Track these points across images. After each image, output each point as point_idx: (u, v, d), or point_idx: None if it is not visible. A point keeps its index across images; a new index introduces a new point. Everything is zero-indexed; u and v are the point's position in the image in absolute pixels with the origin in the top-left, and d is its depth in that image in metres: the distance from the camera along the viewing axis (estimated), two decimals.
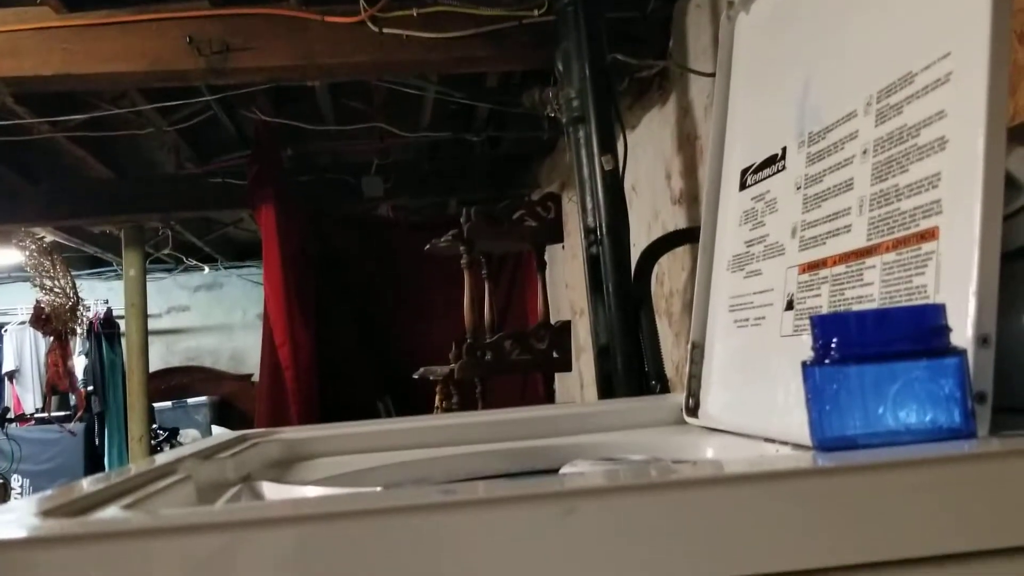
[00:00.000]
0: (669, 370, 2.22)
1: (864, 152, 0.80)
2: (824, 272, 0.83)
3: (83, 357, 6.63)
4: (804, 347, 0.62)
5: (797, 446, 0.78)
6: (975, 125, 0.65)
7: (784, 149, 0.95)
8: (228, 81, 2.83)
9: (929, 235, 0.69)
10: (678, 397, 1.12)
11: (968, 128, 0.66)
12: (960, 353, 0.57)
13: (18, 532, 0.46)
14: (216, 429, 6.83)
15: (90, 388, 6.38)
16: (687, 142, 2.50)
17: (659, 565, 0.45)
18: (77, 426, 6.08)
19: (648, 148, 2.81)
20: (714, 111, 1.12)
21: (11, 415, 6.38)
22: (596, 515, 0.45)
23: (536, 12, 2.42)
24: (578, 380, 3.99)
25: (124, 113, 3.56)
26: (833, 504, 0.47)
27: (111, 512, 0.58)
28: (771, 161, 0.98)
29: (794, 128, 0.93)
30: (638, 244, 2.26)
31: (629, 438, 1.07)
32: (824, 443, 0.59)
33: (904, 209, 0.73)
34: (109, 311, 6.64)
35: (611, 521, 0.45)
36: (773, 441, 0.84)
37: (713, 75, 1.21)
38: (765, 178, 0.99)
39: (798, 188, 0.91)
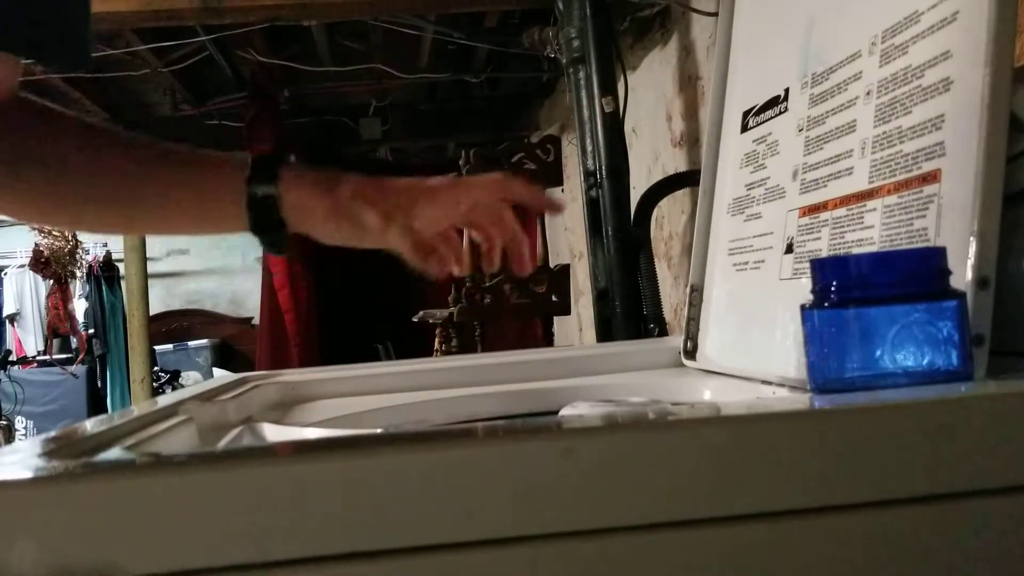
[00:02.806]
0: (668, 313, 2.22)
1: (867, 93, 0.79)
2: (824, 215, 0.83)
3: (83, 300, 6.65)
4: (803, 290, 0.62)
5: (795, 388, 0.79)
6: (981, 66, 0.64)
7: (787, 90, 0.94)
8: (223, 21, 2.79)
9: (931, 178, 0.69)
10: (676, 340, 1.12)
11: (973, 69, 0.65)
12: (959, 296, 0.57)
13: (23, 473, 0.46)
14: (217, 371, 6.87)
15: (91, 331, 6.41)
16: (688, 83, 2.47)
17: (657, 506, 0.46)
18: (79, 368, 6.12)
19: (649, 89, 2.77)
20: (716, 51, 1.10)
21: (13, 357, 6.41)
22: (595, 456, 0.46)
23: None
24: (577, 323, 4.00)
25: (119, 54, 3.50)
26: (830, 445, 0.47)
27: (114, 453, 0.58)
28: (773, 103, 0.97)
29: (797, 69, 0.92)
30: (638, 187, 2.24)
31: (627, 380, 1.08)
32: (822, 385, 0.60)
33: (907, 151, 0.72)
34: (108, 254, 6.64)
35: (610, 462, 0.46)
36: (771, 383, 0.85)
37: (716, 14, 1.19)
38: (767, 120, 0.98)
39: (800, 130, 0.90)
